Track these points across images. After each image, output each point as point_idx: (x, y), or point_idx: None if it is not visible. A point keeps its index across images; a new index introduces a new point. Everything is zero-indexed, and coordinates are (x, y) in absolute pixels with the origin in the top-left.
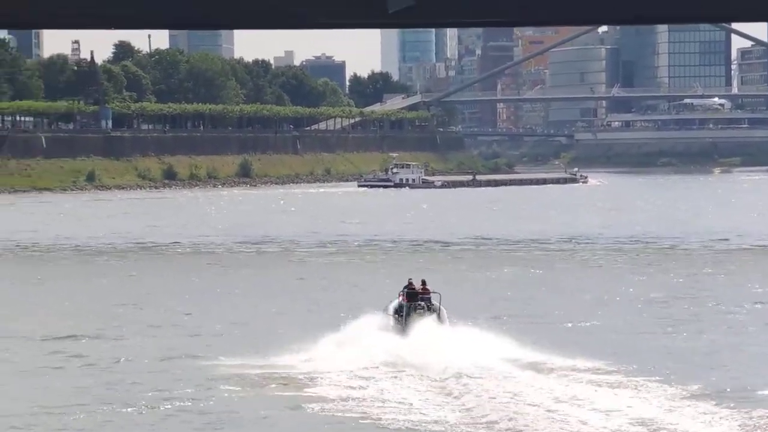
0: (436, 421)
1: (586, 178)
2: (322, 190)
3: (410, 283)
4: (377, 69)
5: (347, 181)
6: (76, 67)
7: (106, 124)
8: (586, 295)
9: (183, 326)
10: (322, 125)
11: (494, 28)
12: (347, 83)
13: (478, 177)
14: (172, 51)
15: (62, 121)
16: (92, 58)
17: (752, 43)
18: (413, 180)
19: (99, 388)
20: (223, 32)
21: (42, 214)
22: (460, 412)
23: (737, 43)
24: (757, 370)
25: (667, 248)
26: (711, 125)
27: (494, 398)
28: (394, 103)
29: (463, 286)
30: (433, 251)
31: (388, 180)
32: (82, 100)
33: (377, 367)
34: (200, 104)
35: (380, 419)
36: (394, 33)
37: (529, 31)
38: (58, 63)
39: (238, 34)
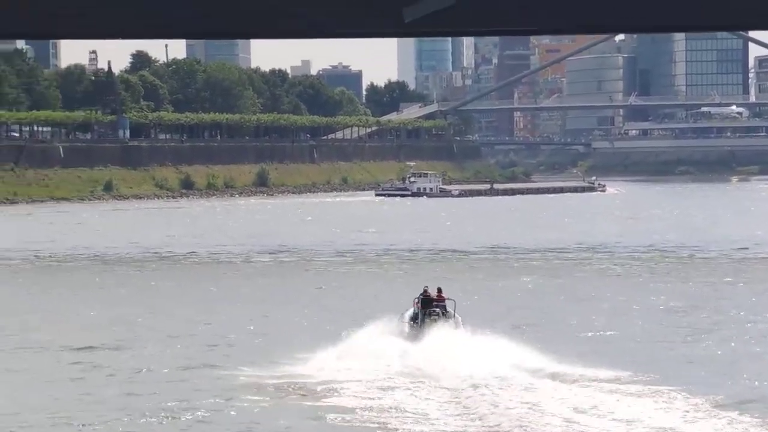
0: None
1: (604, 186)
2: (339, 199)
3: (426, 291)
4: (394, 78)
5: (364, 190)
6: (93, 77)
7: (124, 133)
8: (604, 303)
9: (201, 336)
10: (339, 134)
11: (511, 36)
12: (364, 92)
13: (496, 186)
14: (189, 61)
15: (80, 131)
16: (109, 68)
17: None
18: (431, 189)
19: (119, 399)
20: (240, 42)
21: (60, 224)
22: (477, 421)
23: (754, 51)
24: None
25: (685, 257)
26: (729, 133)
27: (512, 408)
28: (410, 112)
29: (480, 295)
30: (450, 260)
31: (405, 189)
32: (100, 110)
33: (394, 377)
34: (217, 114)
35: (398, 430)
36: (410, 42)
37: (545, 40)
38: (75, 73)
39: (255, 43)
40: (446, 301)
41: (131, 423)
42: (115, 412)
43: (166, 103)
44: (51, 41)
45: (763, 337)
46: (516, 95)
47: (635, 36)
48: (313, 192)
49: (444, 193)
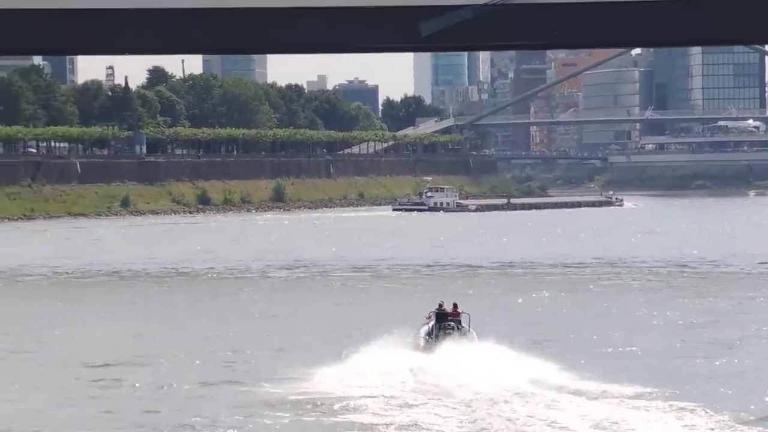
0: None
1: (621, 201)
2: (356, 214)
3: (441, 306)
4: (410, 93)
5: (380, 205)
6: (110, 93)
7: (141, 149)
8: (623, 318)
9: (220, 351)
10: (355, 149)
11: (527, 50)
12: (380, 107)
13: (513, 200)
14: (206, 76)
15: (97, 146)
16: (126, 83)
17: None
18: (447, 204)
19: (141, 416)
20: (257, 57)
21: (77, 240)
22: None
23: None
24: None
25: (704, 271)
26: (746, 147)
27: (531, 425)
28: (427, 127)
29: (498, 311)
30: (468, 275)
31: (422, 204)
32: (117, 125)
33: (411, 393)
34: (234, 129)
35: None
36: (426, 56)
37: (562, 54)
38: (92, 89)
39: (271, 58)
40: (461, 315)
41: None
42: (137, 429)
43: (183, 119)
44: (68, 57)
45: None
46: (532, 109)
47: (652, 50)
48: (330, 207)
49: (461, 208)
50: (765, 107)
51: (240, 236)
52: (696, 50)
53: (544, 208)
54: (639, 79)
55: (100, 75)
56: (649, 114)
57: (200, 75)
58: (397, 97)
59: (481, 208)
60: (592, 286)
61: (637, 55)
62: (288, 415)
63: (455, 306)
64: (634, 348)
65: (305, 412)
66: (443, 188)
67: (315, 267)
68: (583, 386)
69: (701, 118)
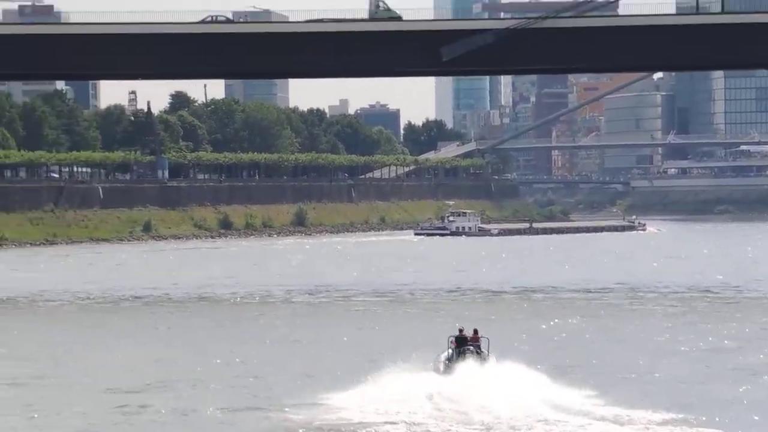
0: None
1: (644, 225)
2: (378, 238)
3: (461, 331)
4: (431, 117)
5: (402, 229)
6: (132, 118)
7: (163, 174)
8: (647, 344)
9: (243, 376)
10: (377, 173)
11: (549, 75)
12: (402, 131)
13: (535, 225)
14: (228, 101)
15: (119, 171)
16: (149, 108)
17: None
18: (470, 228)
19: None
20: (278, 81)
21: (99, 265)
22: None
23: None
24: None
25: (729, 297)
26: None
27: None
28: (448, 151)
29: (521, 336)
30: (490, 300)
31: (444, 228)
32: (139, 150)
33: (432, 418)
34: (255, 153)
35: None
36: (448, 81)
37: (583, 78)
38: (115, 114)
39: (292, 83)
40: (481, 340)
41: None
42: None
43: (205, 143)
44: (90, 82)
45: None
46: (554, 134)
47: (673, 74)
48: (351, 231)
49: (483, 232)
50: None
51: (261, 261)
52: (718, 74)
53: (566, 232)
54: (661, 103)
55: (123, 100)
56: (671, 138)
57: (222, 100)
58: (418, 121)
59: (503, 233)
60: (615, 312)
61: (659, 79)
62: None
63: (476, 331)
64: (658, 374)
65: None
66: (465, 212)
67: (337, 292)
68: (607, 412)
69: (723, 142)
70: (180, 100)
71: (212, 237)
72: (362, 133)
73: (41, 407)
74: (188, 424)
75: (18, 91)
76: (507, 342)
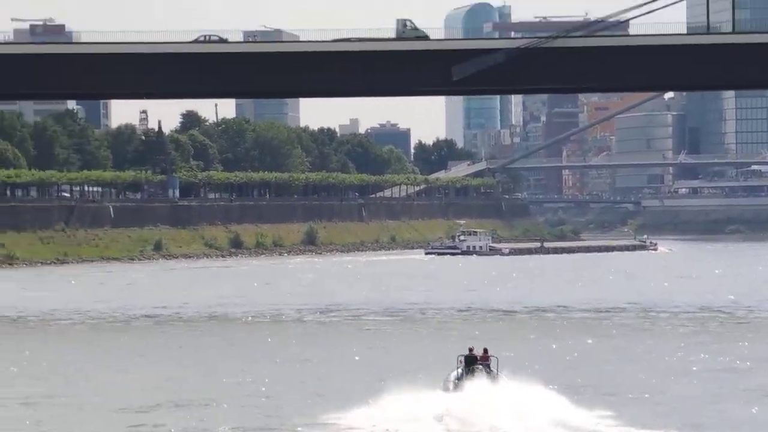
0: None
1: (655, 245)
2: (388, 257)
3: (471, 350)
4: (442, 136)
5: (412, 248)
6: (143, 137)
7: (174, 193)
8: (659, 363)
9: (254, 396)
10: (387, 192)
11: (559, 94)
12: (412, 150)
13: (546, 244)
14: (239, 120)
15: (130, 190)
16: (160, 127)
17: None
18: (480, 247)
19: None
20: (289, 101)
21: (110, 284)
22: None
23: None
24: None
25: (741, 317)
26: None
27: None
28: (459, 170)
29: (532, 356)
30: (501, 319)
31: (455, 247)
32: (150, 169)
33: None
34: (266, 172)
35: None
36: (458, 100)
37: (594, 98)
38: (126, 133)
39: (303, 102)
40: (490, 359)
41: None
42: None
43: (216, 163)
44: (102, 101)
45: None
46: (564, 153)
47: (684, 94)
48: (362, 251)
49: (494, 252)
50: None
51: (272, 280)
52: (729, 94)
53: (577, 251)
54: (672, 122)
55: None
56: (682, 158)
57: (233, 119)
58: (429, 141)
59: (514, 252)
60: (627, 331)
61: (670, 98)
62: None
63: (485, 350)
64: (669, 393)
65: None
66: (476, 232)
67: (347, 311)
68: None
69: (734, 162)
70: (191, 120)
71: (223, 256)
72: (373, 152)
73: (53, 426)
74: None
75: (29, 110)
76: (518, 361)
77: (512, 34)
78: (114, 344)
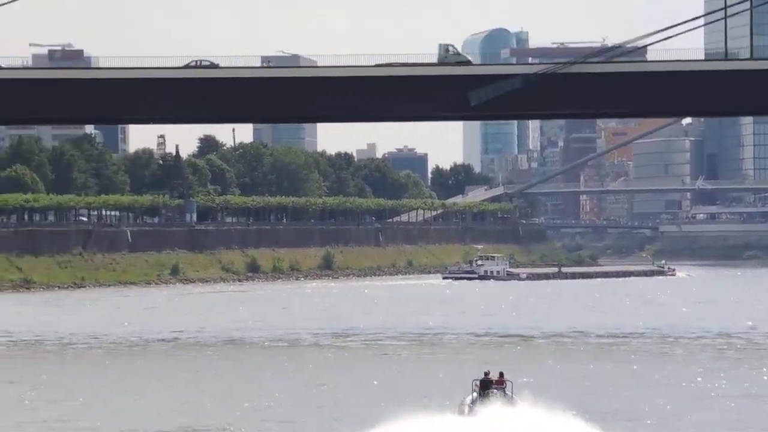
0: None
1: (673, 270)
2: (406, 282)
3: (486, 374)
4: (459, 161)
5: (429, 273)
6: (161, 162)
7: (191, 217)
8: (678, 389)
9: (271, 421)
10: (404, 217)
11: (577, 119)
12: (429, 175)
13: (564, 269)
14: (256, 145)
15: (147, 215)
16: (177, 152)
17: None
18: (498, 272)
19: None
20: (306, 125)
21: (128, 308)
22: None
23: None
24: None
25: (759, 342)
26: None
27: None
28: (476, 195)
29: (551, 381)
30: (520, 345)
31: (472, 272)
32: (167, 193)
33: None
34: (283, 197)
35: None
36: (476, 125)
37: (612, 123)
38: (143, 157)
39: (321, 127)
40: (506, 383)
41: None
42: None
43: (233, 187)
44: (119, 126)
45: None
46: (582, 178)
47: (702, 119)
48: (378, 275)
49: (511, 277)
50: None
51: (289, 304)
52: (747, 120)
53: (595, 277)
54: (690, 148)
55: (152, 144)
56: (700, 183)
57: (250, 144)
58: (446, 165)
59: (531, 277)
60: (644, 357)
61: (687, 124)
62: None
63: (501, 374)
64: (688, 419)
65: None
66: (494, 257)
67: (364, 335)
68: None
69: (752, 188)
70: (208, 144)
71: (239, 280)
72: (390, 176)
73: None
74: None
75: (48, 135)
76: (536, 386)
77: (530, 60)
78: (131, 368)
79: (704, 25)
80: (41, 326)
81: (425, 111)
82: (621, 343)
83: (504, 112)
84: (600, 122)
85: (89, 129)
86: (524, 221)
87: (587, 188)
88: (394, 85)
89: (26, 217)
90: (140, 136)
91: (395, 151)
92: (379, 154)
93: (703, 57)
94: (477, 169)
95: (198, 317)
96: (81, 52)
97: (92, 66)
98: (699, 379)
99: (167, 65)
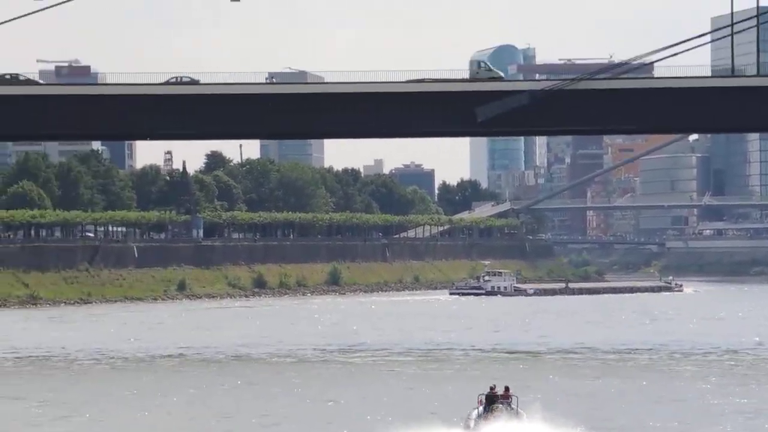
0: None
1: (680, 286)
2: (412, 298)
3: (492, 389)
4: (466, 177)
5: (436, 288)
6: (168, 178)
7: (198, 233)
8: (685, 405)
9: None
10: (411, 233)
11: (584, 135)
12: (436, 191)
13: (571, 285)
14: (263, 161)
15: (154, 230)
16: (184, 168)
17: None
18: (505, 288)
19: None
20: (313, 141)
21: (134, 324)
22: None
23: None
24: None
25: (767, 358)
26: None
27: None
28: (482, 211)
29: (559, 397)
30: (527, 360)
31: (479, 288)
32: (174, 209)
33: None
34: (290, 213)
35: None
36: (483, 141)
37: (619, 139)
38: (150, 173)
39: (328, 143)
40: (511, 398)
41: None
42: None
43: (240, 203)
44: (126, 142)
45: None
46: (589, 194)
47: (709, 136)
48: (385, 291)
49: (518, 292)
50: None
51: (296, 320)
52: (754, 136)
53: (602, 292)
54: (696, 164)
55: (159, 160)
56: (707, 199)
57: (257, 159)
58: (453, 181)
59: (538, 293)
60: (652, 373)
61: (694, 140)
62: None
63: (506, 389)
64: None
65: None
66: (501, 272)
67: (371, 351)
68: None
69: (759, 204)
70: (215, 160)
71: (246, 296)
72: (397, 192)
73: None
74: None
75: (54, 151)
76: (543, 402)
77: (537, 76)
78: (137, 384)
79: (711, 42)
80: (48, 342)
81: (432, 127)
82: (628, 359)
83: (511, 129)
84: (607, 138)
85: (96, 145)
86: (531, 237)
87: (594, 204)
88: (401, 102)
89: (33, 233)
90: (147, 152)
91: (402, 167)
92: (386, 170)
93: (709, 74)
94: (484, 185)
95: (205, 333)
96: (88, 68)
97: (99, 82)
98: (707, 395)
99: (174, 81)
